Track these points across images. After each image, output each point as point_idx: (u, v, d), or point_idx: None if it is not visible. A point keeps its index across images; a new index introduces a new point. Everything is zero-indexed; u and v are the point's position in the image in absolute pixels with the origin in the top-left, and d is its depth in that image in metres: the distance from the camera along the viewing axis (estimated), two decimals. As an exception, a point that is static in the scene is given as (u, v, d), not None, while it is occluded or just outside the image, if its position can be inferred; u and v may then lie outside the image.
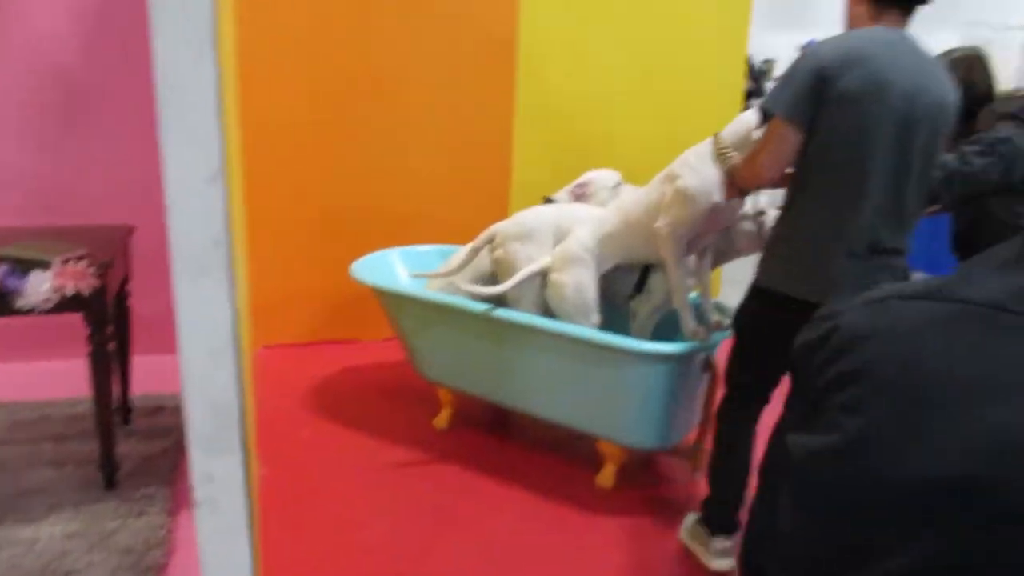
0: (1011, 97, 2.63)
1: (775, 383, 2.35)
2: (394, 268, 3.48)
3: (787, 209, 2.18)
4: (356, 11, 3.73)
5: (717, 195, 2.43)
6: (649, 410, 2.72)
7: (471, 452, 3.08)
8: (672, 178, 2.57)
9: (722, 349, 2.90)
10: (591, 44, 4.07)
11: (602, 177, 3.18)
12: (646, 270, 2.91)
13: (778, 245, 2.21)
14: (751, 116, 2.39)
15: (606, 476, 2.87)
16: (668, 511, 2.76)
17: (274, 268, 3.86)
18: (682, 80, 4.25)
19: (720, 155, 2.42)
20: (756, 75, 8.66)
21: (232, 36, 2.32)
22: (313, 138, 3.82)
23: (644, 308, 2.92)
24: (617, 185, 3.16)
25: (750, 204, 2.73)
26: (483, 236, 3.06)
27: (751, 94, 8.48)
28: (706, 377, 2.81)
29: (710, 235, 2.65)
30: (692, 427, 2.92)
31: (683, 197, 2.50)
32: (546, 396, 2.89)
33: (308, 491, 2.77)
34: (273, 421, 3.23)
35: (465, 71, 3.94)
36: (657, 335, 2.96)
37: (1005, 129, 2.55)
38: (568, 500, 2.79)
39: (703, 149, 2.49)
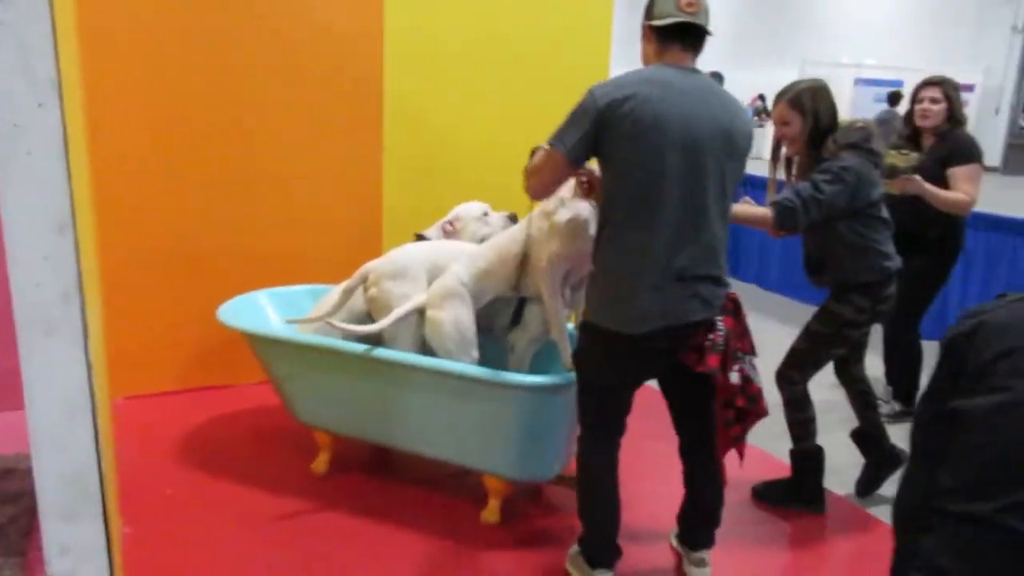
0: (851, 127, 2.85)
1: (623, 413, 2.43)
2: (263, 310, 3.37)
3: (596, 245, 2.31)
4: (215, 50, 3.63)
5: (592, 228, 2.50)
6: (531, 442, 2.74)
7: (351, 496, 3.00)
8: (548, 214, 2.63)
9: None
10: (456, 79, 4.11)
11: (469, 209, 3.22)
12: (522, 302, 2.95)
13: (595, 280, 2.31)
14: None
15: (491, 511, 2.86)
16: (555, 542, 2.77)
17: (134, 314, 3.67)
18: (547, 111, 4.34)
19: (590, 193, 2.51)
20: None
21: (78, 78, 2.21)
22: (171, 179, 3.66)
23: (521, 341, 2.95)
24: (485, 215, 3.20)
25: None
26: (356, 276, 3.02)
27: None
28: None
29: (585, 267, 2.72)
30: (572, 454, 2.95)
31: (560, 231, 2.57)
32: (427, 433, 2.86)
33: (177, 550, 2.61)
34: (137, 476, 3.04)
35: (330, 108, 3.89)
36: (536, 367, 2.99)
37: (849, 158, 2.77)
38: (454, 538, 2.76)
39: (574, 184, 2.56)
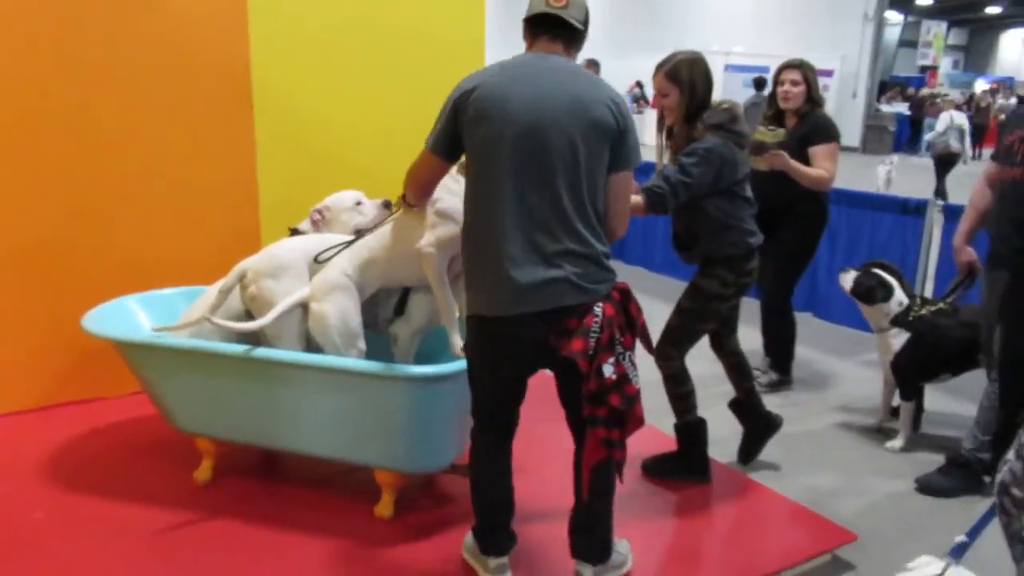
0: (717, 108, 2.95)
1: (508, 405, 2.40)
2: (134, 316, 3.19)
3: (463, 233, 2.32)
4: (70, 42, 3.40)
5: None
6: (422, 433, 2.72)
7: (239, 502, 2.89)
8: (432, 201, 2.61)
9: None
10: (326, 66, 3.99)
11: (340, 199, 3.12)
12: (406, 293, 2.91)
13: (464, 268, 2.33)
14: None
15: (385, 505, 2.82)
16: (451, 532, 2.76)
17: (-10, 329, 3.41)
18: (420, 96, 4.29)
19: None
20: None
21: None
22: (25, 180, 3.42)
23: (404, 332, 2.92)
24: (358, 203, 3.11)
25: None
26: (232, 274, 2.90)
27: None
28: (474, 393, 2.85)
29: None
30: (466, 444, 2.94)
31: (444, 218, 2.57)
32: (314, 432, 2.79)
33: (51, 574, 2.45)
34: (2, 500, 2.84)
35: (197, 100, 3.71)
36: (423, 356, 2.97)
37: (713, 140, 2.87)
38: (349, 536, 2.71)
39: (457, 172, 2.57)
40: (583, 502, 2.39)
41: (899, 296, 3.56)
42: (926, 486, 3.24)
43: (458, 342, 2.70)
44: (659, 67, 2.98)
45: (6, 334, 3.48)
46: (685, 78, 2.91)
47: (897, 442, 3.59)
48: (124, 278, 3.46)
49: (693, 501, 3.07)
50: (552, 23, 2.22)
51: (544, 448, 3.03)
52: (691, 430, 3.14)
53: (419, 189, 2.47)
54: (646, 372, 2.48)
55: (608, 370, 2.18)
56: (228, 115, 3.81)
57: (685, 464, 3.17)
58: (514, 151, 2.13)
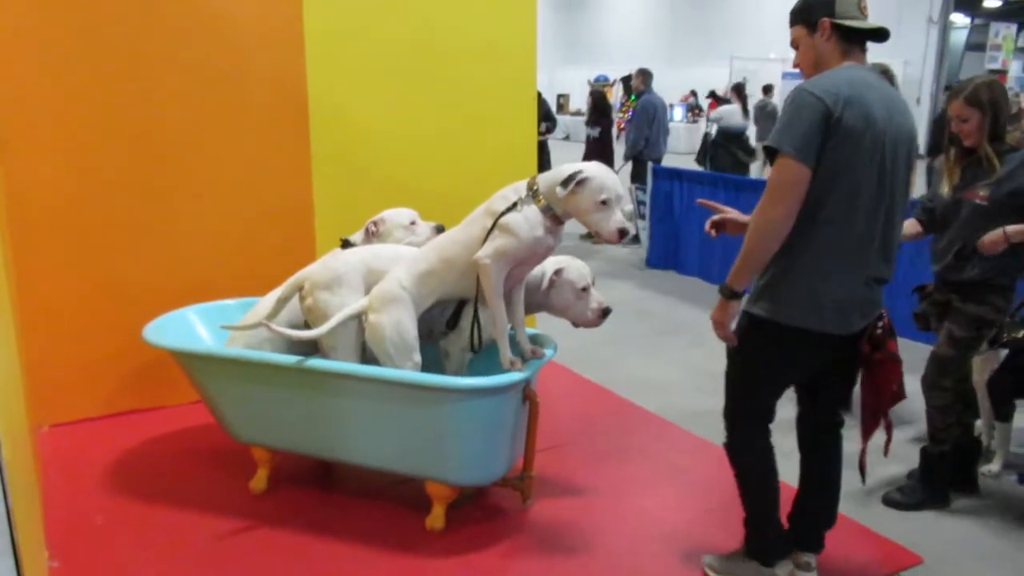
0: None
1: (774, 408, 2.45)
2: (192, 327, 3.27)
3: (788, 246, 2.19)
4: (131, 63, 3.51)
5: (538, 228, 2.56)
6: (474, 446, 2.71)
7: (293, 512, 2.93)
8: (492, 212, 2.62)
9: (540, 378, 2.96)
10: (381, 83, 4.05)
11: (397, 215, 3.16)
12: (459, 307, 2.91)
13: (793, 275, 2.24)
14: (567, 168, 2.55)
15: (436, 517, 2.82)
16: (501, 545, 2.75)
17: (58, 340, 3.53)
18: (472, 112, 4.33)
19: (534, 194, 2.58)
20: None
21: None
22: (89, 197, 3.53)
23: (455, 347, 2.92)
24: (413, 223, 3.15)
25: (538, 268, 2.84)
26: (290, 283, 2.94)
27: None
28: (526, 407, 2.84)
29: (526, 267, 2.72)
30: (517, 457, 2.93)
31: (505, 230, 2.57)
32: (368, 443, 2.81)
33: (110, 581, 2.52)
34: (65, 507, 2.92)
35: (255, 116, 3.79)
36: (476, 368, 2.96)
37: None
38: (400, 547, 2.71)
39: (520, 186, 2.62)
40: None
41: None
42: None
43: (508, 354, 2.69)
44: (955, 94, 2.97)
45: (74, 345, 3.60)
46: (986, 100, 2.89)
47: (994, 466, 3.40)
48: (185, 290, 3.55)
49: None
50: (868, 36, 2.25)
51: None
52: (944, 459, 3.10)
53: (795, 206, 2.14)
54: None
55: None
56: (285, 131, 3.88)
57: (929, 493, 3.12)
58: (871, 176, 2.15)
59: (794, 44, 2.33)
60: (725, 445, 2.48)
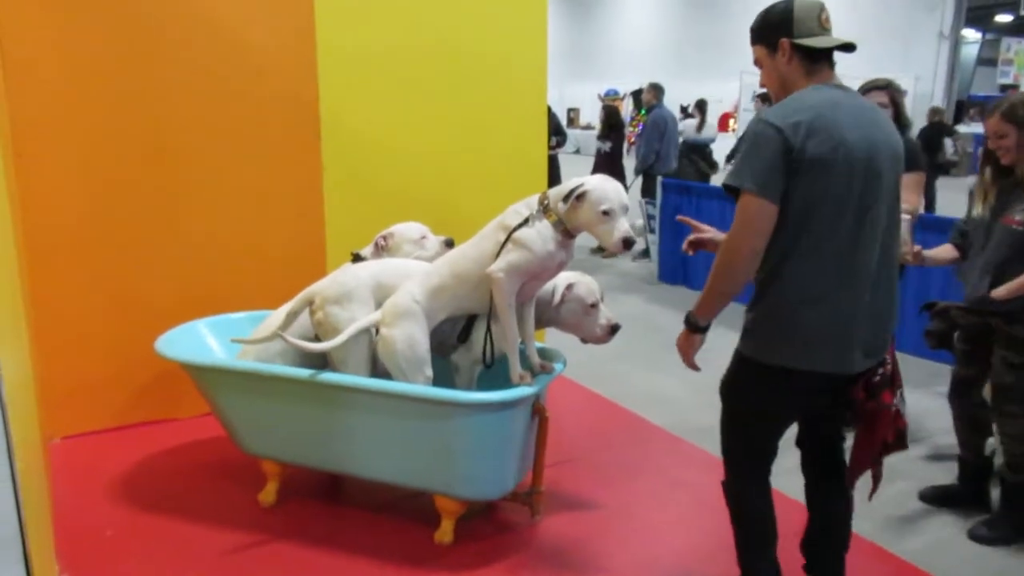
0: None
1: (777, 440, 2.31)
2: (204, 340, 3.28)
3: (771, 280, 2.09)
4: (143, 78, 3.54)
5: (551, 243, 2.57)
6: (483, 460, 2.71)
7: (302, 525, 2.93)
8: (505, 227, 2.63)
9: (549, 393, 2.96)
10: (392, 97, 4.07)
11: (407, 229, 3.17)
12: (470, 321, 2.92)
13: (779, 314, 2.10)
14: (575, 181, 2.55)
15: (445, 532, 2.81)
16: (510, 560, 2.74)
17: (69, 353, 3.55)
18: (483, 127, 4.35)
19: (545, 209, 2.59)
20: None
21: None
22: (102, 210, 3.56)
23: (465, 361, 2.92)
24: (423, 237, 3.16)
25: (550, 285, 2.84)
26: (300, 298, 2.95)
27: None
28: (535, 421, 2.84)
29: (538, 283, 2.73)
30: (526, 472, 2.93)
31: (518, 244, 2.58)
32: (376, 457, 2.81)
33: (120, 594, 2.52)
34: (76, 519, 2.93)
35: (266, 130, 3.81)
36: (485, 383, 2.96)
37: None
38: (408, 562, 2.71)
39: (532, 201, 2.62)
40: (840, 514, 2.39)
41: None
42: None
43: (518, 369, 2.69)
44: (993, 109, 2.89)
45: (86, 357, 3.62)
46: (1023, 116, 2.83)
47: None
48: (196, 303, 3.57)
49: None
50: (831, 52, 2.12)
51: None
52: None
53: (760, 242, 2.02)
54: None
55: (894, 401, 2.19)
56: (297, 146, 3.91)
57: (1016, 524, 3.01)
58: (853, 200, 2.02)
59: (757, 64, 2.21)
60: (722, 484, 2.37)
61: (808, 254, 2.04)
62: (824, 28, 2.12)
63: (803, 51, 2.10)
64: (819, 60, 2.11)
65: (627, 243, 2.51)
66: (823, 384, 2.14)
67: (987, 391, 3.26)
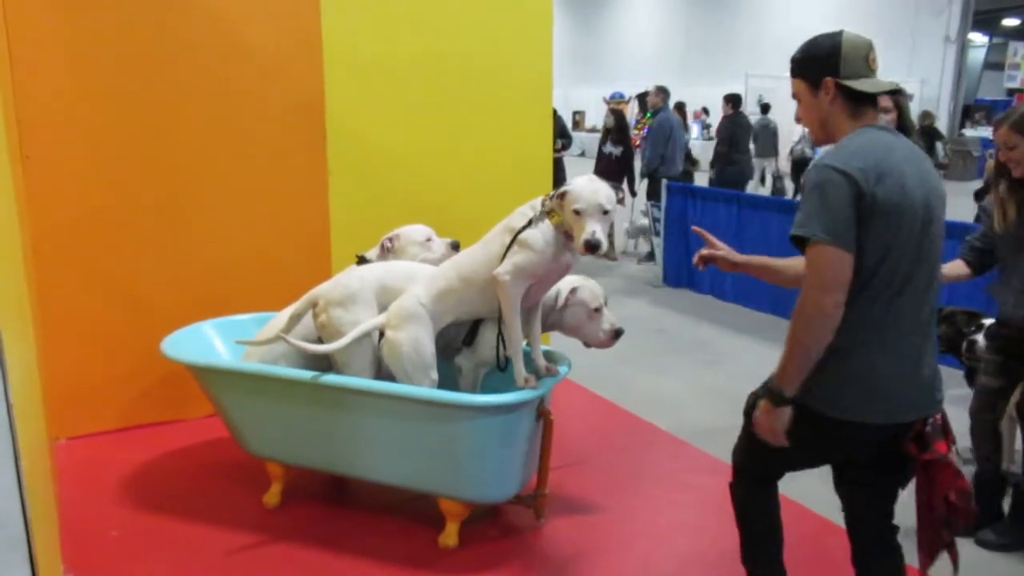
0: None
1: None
2: (209, 341, 3.29)
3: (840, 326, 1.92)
4: (150, 81, 3.56)
5: (554, 244, 2.56)
6: (488, 463, 2.71)
7: (306, 526, 2.93)
8: (511, 229, 2.64)
9: (554, 396, 2.96)
10: (398, 102, 4.08)
11: (412, 231, 3.18)
12: (475, 325, 2.92)
13: (839, 363, 1.94)
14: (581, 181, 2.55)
15: (449, 534, 2.81)
16: (514, 563, 2.74)
17: (75, 353, 3.56)
18: (488, 131, 4.36)
19: (548, 210, 2.58)
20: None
21: (1, 110, 2.12)
22: (108, 212, 3.57)
23: (468, 363, 2.92)
24: (428, 240, 3.16)
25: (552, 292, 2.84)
26: (304, 300, 2.96)
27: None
28: (540, 424, 2.84)
29: (544, 286, 2.73)
30: (531, 475, 2.93)
31: (524, 246, 2.58)
32: (382, 460, 2.81)
33: (124, 594, 2.53)
34: (81, 519, 2.94)
35: (272, 133, 3.83)
36: (489, 385, 2.96)
37: None
38: (413, 564, 2.71)
39: (537, 203, 2.62)
40: None
41: None
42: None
43: (522, 372, 2.69)
44: (1001, 120, 2.83)
45: (92, 358, 3.63)
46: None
47: None
48: (201, 304, 3.57)
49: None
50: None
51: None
52: None
53: (841, 293, 1.88)
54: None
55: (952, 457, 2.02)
56: (302, 148, 3.92)
57: (1022, 531, 2.98)
58: (913, 247, 1.92)
59: (795, 97, 2.10)
60: (729, 485, 2.31)
61: (873, 301, 1.92)
62: (871, 69, 2.02)
63: (848, 92, 1.99)
64: (864, 102, 2.01)
65: (590, 246, 2.45)
66: (871, 436, 2.00)
67: (1015, 399, 3.23)
